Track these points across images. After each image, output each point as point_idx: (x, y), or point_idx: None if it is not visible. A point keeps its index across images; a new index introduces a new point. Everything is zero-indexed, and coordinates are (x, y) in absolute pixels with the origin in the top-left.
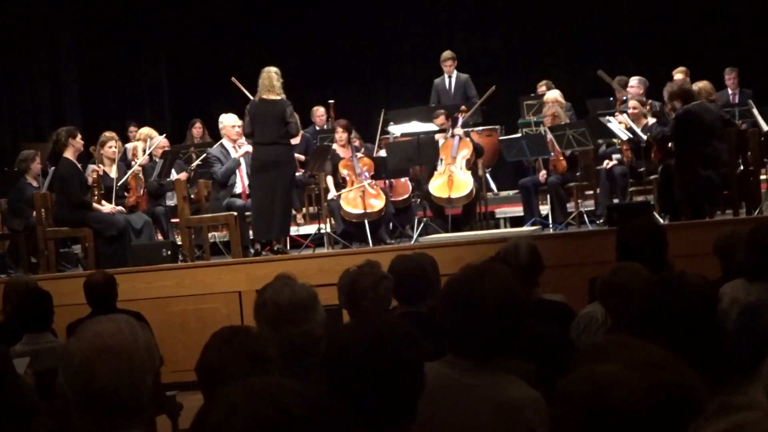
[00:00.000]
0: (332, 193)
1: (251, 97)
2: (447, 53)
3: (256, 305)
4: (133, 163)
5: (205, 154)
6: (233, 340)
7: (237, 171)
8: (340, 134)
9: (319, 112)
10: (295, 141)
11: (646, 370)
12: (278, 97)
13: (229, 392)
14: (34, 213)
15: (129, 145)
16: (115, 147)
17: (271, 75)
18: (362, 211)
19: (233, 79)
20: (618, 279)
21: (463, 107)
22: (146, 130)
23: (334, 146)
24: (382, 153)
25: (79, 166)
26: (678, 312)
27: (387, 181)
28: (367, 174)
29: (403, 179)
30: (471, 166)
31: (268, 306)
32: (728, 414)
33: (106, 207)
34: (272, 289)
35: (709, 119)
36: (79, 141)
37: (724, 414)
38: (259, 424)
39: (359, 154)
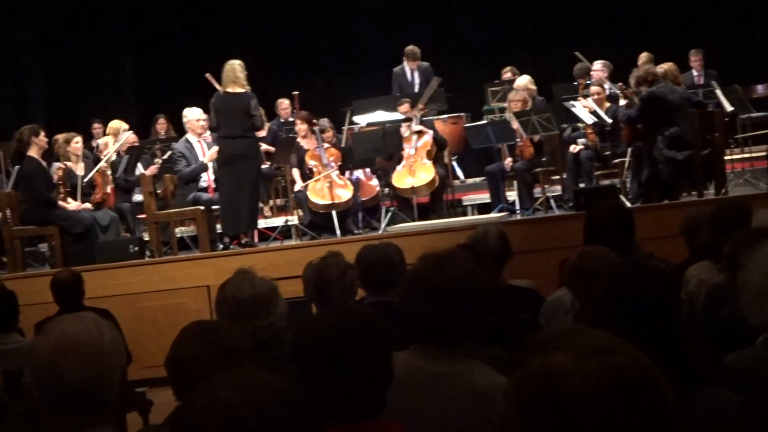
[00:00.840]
0: (299, 185)
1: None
2: (413, 51)
3: (217, 301)
4: (101, 158)
5: (170, 151)
6: (204, 335)
7: None
8: (299, 126)
9: (284, 104)
10: (262, 133)
11: (598, 357)
12: (243, 90)
13: (211, 386)
14: None
15: (101, 141)
16: (81, 143)
17: (235, 67)
18: (329, 202)
19: (208, 75)
20: (585, 263)
21: (420, 105)
22: (116, 124)
23: (298, 138)
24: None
25: (44, 164)
26: (640, 296)
27: (354, 179)
28: (333, 164)
29: (366, 173)
30: (432, 156)
31: (228, 301)
32: None
33: (72, 204)
34: (232, 284)
35: (674, 100)
36: (42, 139)
37: None
38: (238, 419)
39: (326, 145)
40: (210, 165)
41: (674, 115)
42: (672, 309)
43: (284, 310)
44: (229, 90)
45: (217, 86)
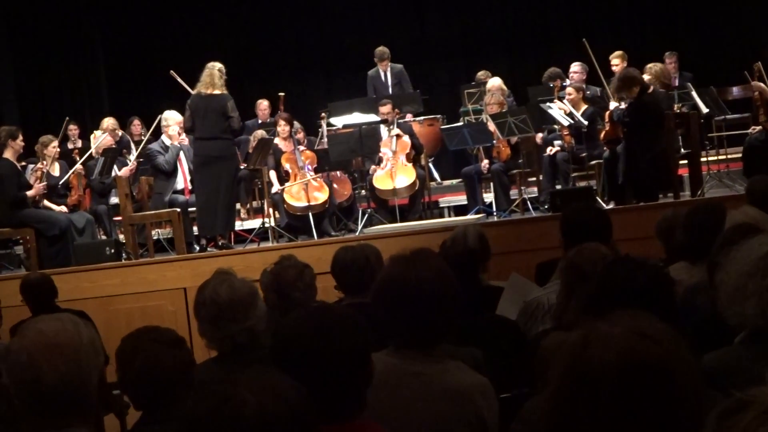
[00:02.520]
0: (276, 187)
1: (190, 91)
2: (382, 52)
3: (195, 303)
4: (76, 160)
5: (147, 152)
6: (152, 338)
7: (179, 167)
8: (283, 127)
9: (263, 105)
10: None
11: (631, 338)
12: (219, 92)
13: (229, 384)
14: None
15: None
16: (57, 146)
17: (213, 72)
18: (306, 204)
19: (172, 72)
20: (578, 259)
21: (396, 110)
22: (109, 121)
23: (276, 140)
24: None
25: (18, 166)
26: (638, 292)
27: (327, 182)
28: (309, 167)
29: (337, 174)
30: (411, 159)
31: (207, 304)
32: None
33: (57, 207)
34: (211, 286)
35: (662, 107)
36: (19, 143)
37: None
38: (244, 420)
39: (301, 147)
40: (186, 166)
41: (661, 122)
42: (669, 307)
43: (263, 313)
44: (205, 91)
45: (182, 83)
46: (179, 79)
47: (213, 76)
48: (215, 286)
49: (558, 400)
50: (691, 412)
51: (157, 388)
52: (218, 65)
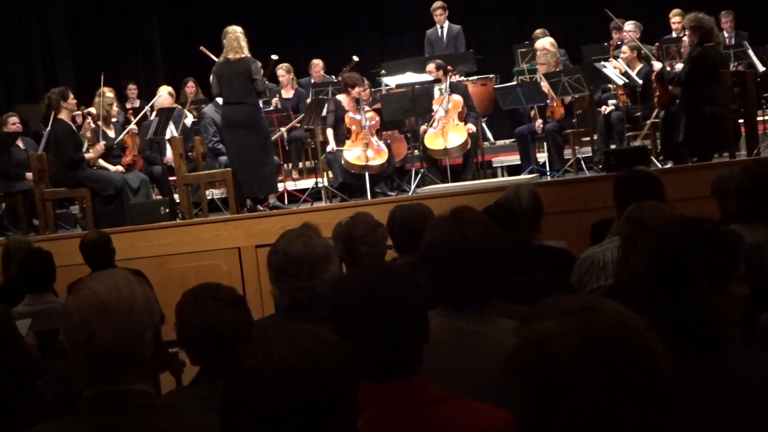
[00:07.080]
0: (331, 146)
1: (215, 60)
2: (437, 2)
3: (271, 249)
4: (131, 119)
5: (202, 114)
6: (217, 295)
7: None
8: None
9: (317, 67)
10: (288, 95)
11: (577, 316)
12: (244, 56)
13: (264, 342)
14: (29, 174)
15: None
16: (116, 106)
17: (237, 36)
18: (364, 163)
19: (202, 47)
20: (639, 213)
21: (449, 67)
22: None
23: (341, 97)
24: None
25: (73, 126)
26: (701, 253)
27: (387, 144)
28: (371, 127)
29: (392, 135)
30: (464, 117)
31: (278, 253)
32: None
33: (112, 167)
34: (287, 237)
35: (719, 63)
36: (71, 102)
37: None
38: (296, 373)
39: (367, 108)
40: None
41: (716, 78)
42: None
43: (332, 278)
44: (233, 56)
45: (212, 57)
46: (209, 54)
47: (238, 40)
48: (291, 238)
49: (530, 411)
50: (663, 357)
51: (215, 345)
52: (238, 29)
